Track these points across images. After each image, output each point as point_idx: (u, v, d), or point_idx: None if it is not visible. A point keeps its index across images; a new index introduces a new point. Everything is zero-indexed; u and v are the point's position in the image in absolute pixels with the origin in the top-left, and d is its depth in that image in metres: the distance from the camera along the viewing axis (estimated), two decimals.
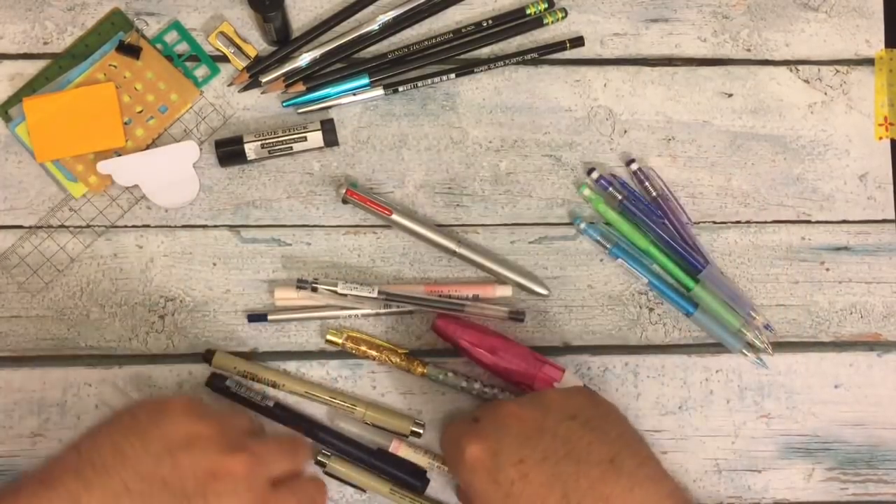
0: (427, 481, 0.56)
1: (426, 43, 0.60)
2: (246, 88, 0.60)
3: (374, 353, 0.57)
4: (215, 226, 0.59)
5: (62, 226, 0.58)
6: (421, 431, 0.56)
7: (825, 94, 0.62)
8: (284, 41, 0.60)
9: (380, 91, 0.60)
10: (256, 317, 0.57)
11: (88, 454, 0.44)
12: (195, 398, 0.50)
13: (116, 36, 0.59)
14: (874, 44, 0.63)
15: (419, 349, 0.58)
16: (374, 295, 0.56)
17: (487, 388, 0.57)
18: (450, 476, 0.56)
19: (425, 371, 0.57)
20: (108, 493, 0.42)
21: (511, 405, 0.50)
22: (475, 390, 0.57)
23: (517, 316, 0.57)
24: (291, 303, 0.57)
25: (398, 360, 0.57)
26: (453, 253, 0.58)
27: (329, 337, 0.57)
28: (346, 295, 0.56)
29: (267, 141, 0.58)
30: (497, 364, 0.56)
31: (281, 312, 0.58)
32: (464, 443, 0.48)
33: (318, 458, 0.56)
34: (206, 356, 0.57)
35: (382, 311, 0.58)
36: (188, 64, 0.60)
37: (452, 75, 0.60)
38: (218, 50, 0.60)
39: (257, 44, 0.60)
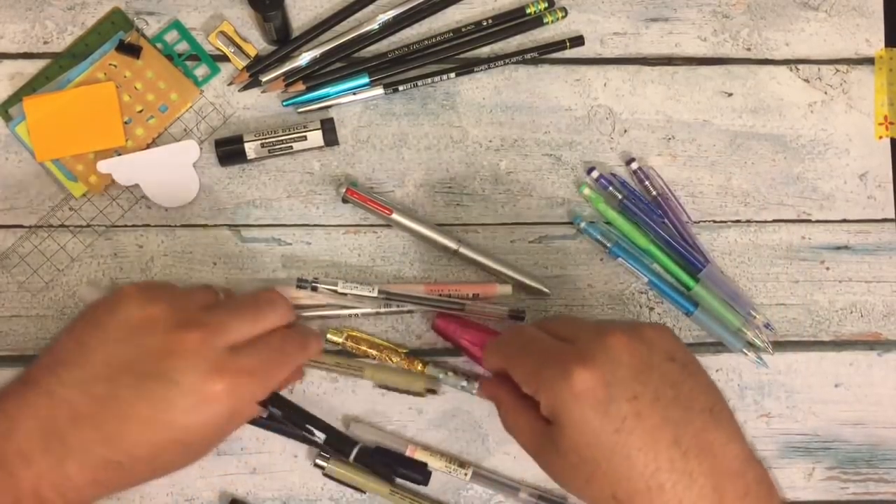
0: (429, 475, 0.56)
1: (426, 42, 0.60)
2: (246, 88, 0.60)
3: (374, 352, 0.57)
4: (215, 225, 0.59)
5: (62, 225, 0.58)
6: (436, 390, 0.56)
7: (825, 93, 0.62)
8: (284, 40, 0.60)
9: (380, 90, 0.60)
10: None
11: (57, 352, 0.48)
12: (149, 283, 0.52)
13: (116, 35, 0.59)
14: (874, 43, 0.63)
15: (419, 349, 0.58)
16: (374, 294, 0.56)
17: None
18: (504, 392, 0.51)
19: (425, 370, 0.57)
20: (78, 382, 0.46)
21: (617, 333, 0.46)
22: (475, 390, 0.57)
23: (518, 314, 0.57)
24: (292, 302, 0.57)
25: (398, 359, 0.57)
26: (454, 252, 0.58)
27: (329, 336, 0.57)
28: (345, 294, 0.56)
29: (267, 140, 0.58)
30: None
31: None
32: (572, 368, 0.44)
33: (317, 460, 0.56)
34: None
35: (383, 310, 0.58)
36: (188, 63, 0.60)
37: (452, 74, 0.60)
38: (218, 49, 0.60)
39: (257, 43, 0.61)
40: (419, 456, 0.56)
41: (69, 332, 0.49)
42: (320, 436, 0.54)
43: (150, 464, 0.47)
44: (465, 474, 0.56)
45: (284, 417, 0.53)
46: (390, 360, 0.57)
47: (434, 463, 0.56)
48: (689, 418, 0.44)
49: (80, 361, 0.47)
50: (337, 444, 0.55)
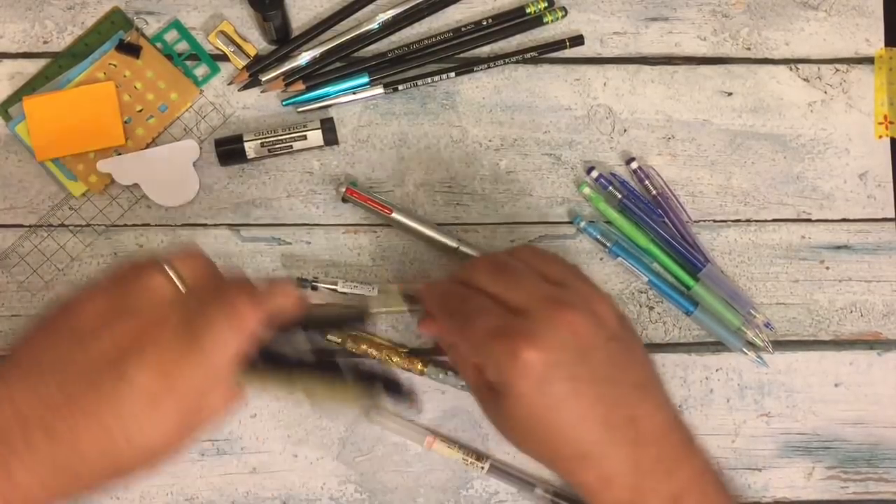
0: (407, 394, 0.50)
1: (426, 42, 0.60)
2: (246, 87, 0.60)
3: (374, 352, 0.57)
4: (215, 225, 0.59)
5: (62, 225, 0.58)
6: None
7: (825, 92, 0.62)
8: (284, 40, 0.60)
9: (379, 90, 0.60)
10: None
11: (11, 354, 0.45)
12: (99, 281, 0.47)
13: (116, 35, 0.59)
14: (874, 42, 0.63)
15: (419, 348, 0.58)
16: (374, 293, 0.56)
17: None
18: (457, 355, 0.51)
19: (425, 370, 0.57)
20: (27, 385, 0.43)
21: (570, 314, 0.47)
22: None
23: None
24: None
25: (398, 359, 0.57)
26: (454, 251, 0.58)
27: (329, 336, 0.57)
28: (346, 294, 0.56)
29: (267, 140, 0.58)
30: None
31: None
32: (520, 347, 0.46)
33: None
34: None
35: (382, 309, 0.58)
36: (188, 63, 0.60)
37: (452, 74, 0.60)
38: (218, 49, 0.60)
39: (257, 43, 0.61)
40: (437, 447, 0.56)
41: (25, 335, 0.46)
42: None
43: (104, 468, 0.44)
44: (483, 467, 0.56)
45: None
46: (390, 359, 0.57)
47: (452, 454, 0.57)
48: (620, 394, 0.47)
49: (28, 365, 0.45)
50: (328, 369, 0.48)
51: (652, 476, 0.47)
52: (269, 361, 0.46)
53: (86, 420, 0.42)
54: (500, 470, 0.57)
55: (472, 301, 0.49)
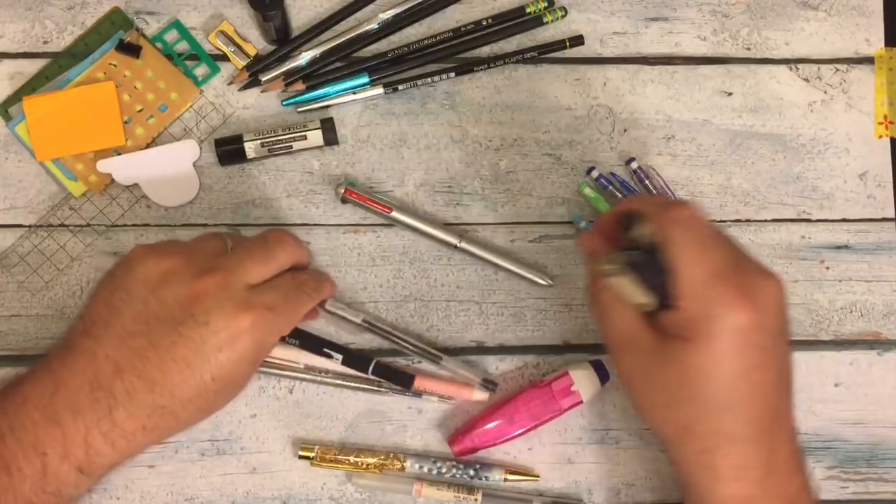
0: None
1: (426, 42, 0.60)
2: (246, 87, 0.60)
3: (348, 467, 0.56)
4: (215, 225, 0.59)
5: (62, 225, 0.58)
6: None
7: (825, 92, 0.62)
8: (284, 40, 0.60)
9: (379, 90, 0.60)
10: None
11: (89, 316, 0.50)
12: (157, 242, 0.53)
13: (116, 35, 0.59)
14: (874, 42, 0.63)
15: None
16: (359, 321, 0.56)
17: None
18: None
19: (405, 466, 0.56)
20: (115, 340, 0.48)
21: (778, 286, 0.45)
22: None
23: (489, 385, 0.57)
24: (273, 351, 0.56)
25: (375, 460, 0.56)
26: (455, 248, 0.58)
27: (301, 453, 0.56)
28: (332, 312, 0.56)
29: (267, 140, 0.58)
30: (524, 426, 0.56)
31: None
32: (743, 301, 0.43)
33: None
34: None
35: (353, 384, 0.57)
36: (188, 63, 0.60)
37: (452, 74, 0.60)
38: (218, 49, 0.60)
39: (257, 43, 0.61)
40: (426, 492, 0.56)
41: (94, 298, 0.51)
42: (338, 356, 0.56)
43: (194, 403, 0.49)
44: (476, 500, 0.56)
45: (303, 345, 0.56)
46: (368, 466, 0.56)
47: (443, 495, 0.56)
48: (786, 385, 0.46)
49: (111, 322, 0.49)
50: (354, 362, 0.56)
51: (779, 475, 0.46)
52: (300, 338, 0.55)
53: (175, 364, 0.48)
54: (495, 496, 0.56)
55: (708, 224, 0.46)
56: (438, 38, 0.60)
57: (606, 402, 0.58)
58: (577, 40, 0.61)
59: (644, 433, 0.58)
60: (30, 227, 0.58)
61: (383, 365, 0.57)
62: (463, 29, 0.61)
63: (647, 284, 0.46)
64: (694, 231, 0.46)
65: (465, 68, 0.60)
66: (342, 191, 0.58)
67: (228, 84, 0.60)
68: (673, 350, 0.45)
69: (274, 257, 0.52)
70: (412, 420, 0.58)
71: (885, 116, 0.62)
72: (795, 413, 0.48)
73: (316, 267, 0.59)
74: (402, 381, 0.56)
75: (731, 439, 0.45)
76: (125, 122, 0.59)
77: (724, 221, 0.60)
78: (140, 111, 0.59)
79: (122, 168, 0.58)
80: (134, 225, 0.59)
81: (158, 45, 0.60)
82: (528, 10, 0.61)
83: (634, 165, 0.60)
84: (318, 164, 0.60)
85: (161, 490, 0.56)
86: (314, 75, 0.60)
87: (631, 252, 0.47)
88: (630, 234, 0.48)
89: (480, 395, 0.57)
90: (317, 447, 0.56)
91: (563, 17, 0.61)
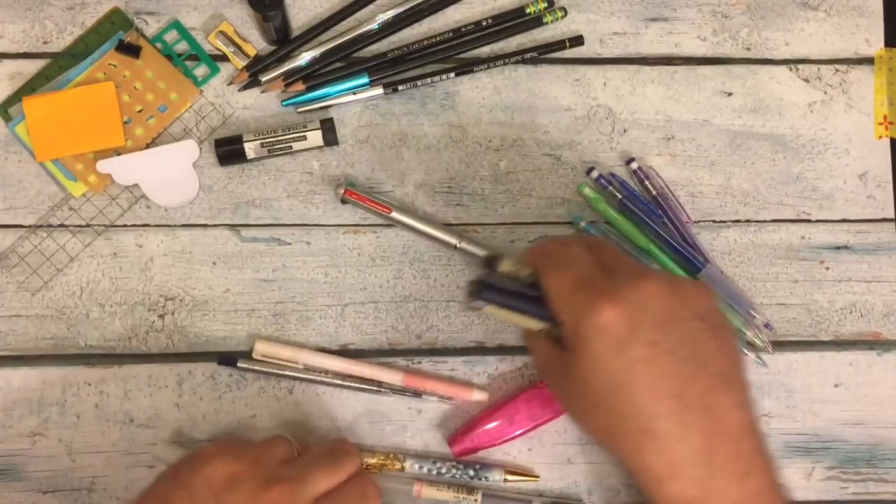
0: None
1: (426, 42, 0.60)
2: (245, 87, 0.60)
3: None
4: (215, 225, 0.59)
5: (62, 225, 0.58)
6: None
7: (825, 93, 0.62)
8: (284, 40, 0.60)
9: (379, 90, 0.60)
10: (226, 360, 0.57)
11: None
12: (228, 441, 0.52)
13: (116, 35, 0.59)
14: (874, 43, 0.63)
15: (419, 348, 0.58)
16: (299, 370, 0.57)
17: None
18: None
19: (405, 466, 0.56)
20: None
21: (654, 282, 0.46)
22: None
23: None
24: (273, 351, 0.57)
25: (375, 461, 0.56)
26: (455, 248, 0.58)
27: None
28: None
29: (266, 140, 0.58)
30: (524, 427, 0.56)
31: (252, 362, 0.57)
32: (603, 300, 0.45)
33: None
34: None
35: (352, 385, 0.57)
36: (188, 63, 0.60)
37: (452, 74, 0.60)
38: (217, 49, 0.60)
39: (257, 43, 0.61)
40: (426, 492, 0.56)
41: (154, 491, 0.49)
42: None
43: None
44: (475, 500, 0.56)
45: None
46: (370, 465, 0.56)
47: (443, 495, 0.56)
48: (698, 376, 0.45)
49: None
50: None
51: (723, 476, 0.45)
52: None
53: None
54: (495, 497, 0.56)
55: (571, 248, 0.49)
56: (438, 38, 0.60)
57: None
58: (577, 41, 0.61)
59: None
60: (29, 227, 0.58)
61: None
62: (463, 29, 0.61)
63: (538, 312, 0.50)
64: (554, 255, 0.49)
65: (464, 69, 0.60)
66: (342, 191, 0.58)
67: (228, 84, 0.60)
68: (570, 362, 0.47)
69: (342, 468, 0.51)
70: (412, 420, 0.58)
71: (885, 117, 0.62)
72: (750, 411, 0.47)
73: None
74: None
75: (649, 433, 0.45)
76: (125, 123, 0.59)
77: (724, 222, 0.60)
78: (140, 111, 0.59)
79: (121, 168, 0.58)
80: (134, 225, 0.59)
81: (158, 45, 0.60)
82: (527, 10, 0.61)
83: (634, 166, 0.60)
84: (317, 164, 0.60)
85: None
86: (314, 75, 0.60)
87: (511, 284, 0.51)
88: (499, 272, 0.52)
89: (480, 396, 0.57)
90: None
91: (562, 17, 0.61)
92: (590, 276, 0.47)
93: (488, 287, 0.49)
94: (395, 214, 0.58)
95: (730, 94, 0.61)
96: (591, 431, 0.48)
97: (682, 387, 0.45)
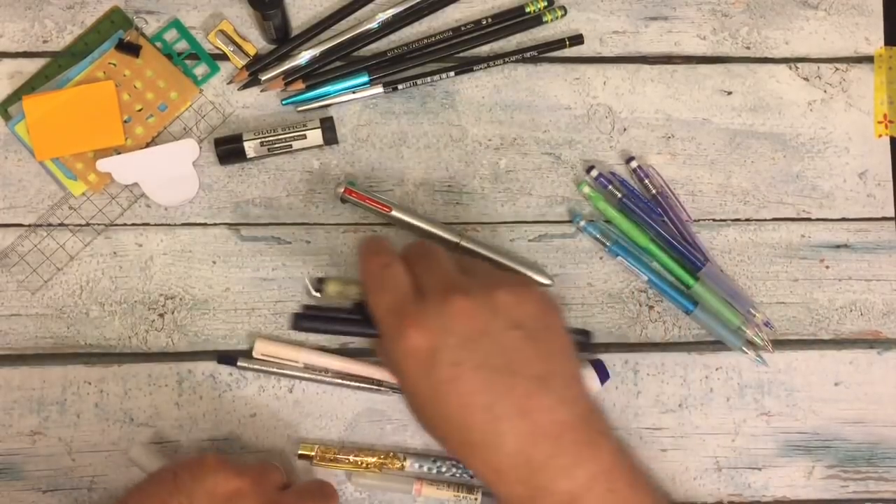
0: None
1: (425, 41, 0.60)
2: (245, 86, 0.60)
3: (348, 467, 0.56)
4: (215, 224, 0.59)
5: (62, 224, 0.58)
6: None
7: (825, 91, 0.62)
8: (284, 39, 0.60)
9: (379, 89, 0.60)
10: (226, 359, 0.57)
11: None
12: (225, 456, 0.52)
13: (116, 34, 0.59)
14: (873, 41, 0.63)
15: None
16: (299, 369, 0.57)
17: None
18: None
19: (405, 465, 0.56)
20: None
21: (462, 300, 0.48)
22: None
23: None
24: (272, 350, 0.57)
25: (375, 460, 0.56)
26: (455, 246, 0.58)
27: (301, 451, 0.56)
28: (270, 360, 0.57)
29: (266, 139, 0.58)
30: None
31: (251, 361, 0.57)
32: (407, 326, 0.47)
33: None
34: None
35: (352, 384, 0.57)
36: (188, 62, 0.60)
37: (452, 73, 0.60)
38: (217, 48, 0.60)
39: (257, 42, 0.61)
40: (426, 491, 0.56)
41: (151, 494, 0.49)
42: None
43: None
44: (475, 499, 0.56)
45: None
46: (367, 464, 0.56)
47: (443, 494, 0.56)
48: (513, 384, 0.47)
49: None
50: None
51: (546, 472, 0.46)
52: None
53: None
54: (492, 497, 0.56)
55: (391, 269, 0.50)
56: (438, 37, 0.60)
57: (606, 401, 0.58)
58: (577, 39, 0.61)
59: (643, 433, 0.58)
60: (29, 226, 0.58)
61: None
62: (462, 28, 0.61)
63: (364, 331, 0.54)
64: (374, 277, 0.51)
65: (464, 67, 0.60)
66: (342, 190, 0.58)
67: (228, 83, 0.60)
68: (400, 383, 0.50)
69: (328, 501, 0.53)
70: (412, 420, 0.58)
71: (885, 115, 0.62)
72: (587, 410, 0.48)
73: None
74: None
75: (469, 444, 0.47)
76: (125, 122, 0.59)
77: (724, 220, 0.60)
78: (140, 110, 0.59)
79: (121, 167, 0.58)
80: (133, 224, 0.59)
81: (158, 44, 0.60)
82: (527, 9, 0.61)
83: (634, 164, 0.60)
84: (317, 163, 0.60)
85: None
86: (314, 74, 0.60)
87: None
88: (326, 294, 0.56)
89: None
90: (317, 447, 0.56)
91: (562, 16, 0.61)
92: (402, 301, 0.49)
93: (305, 318, 0.56)
94: (394, 213, 0.58)
95: (729, 93, 0.61)
96: (434, 439, 0.50)
97: (492, 398, 0.46)
